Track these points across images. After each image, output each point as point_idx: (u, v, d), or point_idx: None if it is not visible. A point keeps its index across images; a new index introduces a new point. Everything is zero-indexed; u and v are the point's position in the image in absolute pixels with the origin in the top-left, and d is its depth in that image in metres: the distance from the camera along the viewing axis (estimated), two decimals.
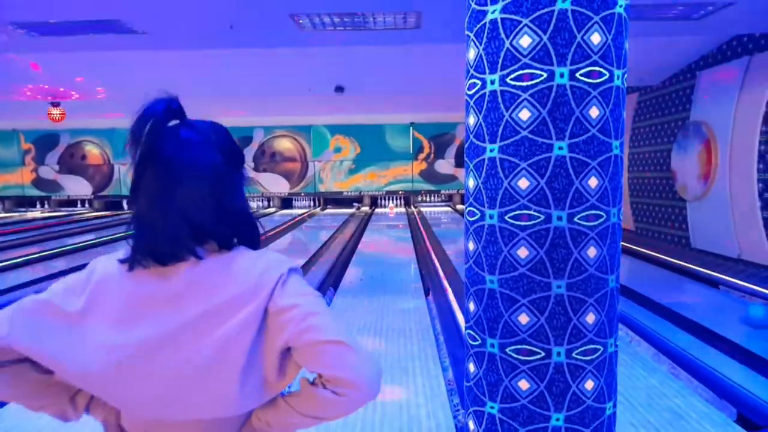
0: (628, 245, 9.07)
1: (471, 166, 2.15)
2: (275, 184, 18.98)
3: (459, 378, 3.89)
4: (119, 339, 0.98)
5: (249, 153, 19.11)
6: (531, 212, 1.96)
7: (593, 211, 1.97)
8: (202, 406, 1.01)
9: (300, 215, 16.82)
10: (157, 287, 1.02)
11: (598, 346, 2.02)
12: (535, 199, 1.96)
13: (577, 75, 1.96)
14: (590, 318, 1.99)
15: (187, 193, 1.04)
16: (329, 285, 6.80)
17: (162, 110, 1.12)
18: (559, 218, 1.96)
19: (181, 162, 1.06)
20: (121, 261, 1.06)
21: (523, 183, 1.97)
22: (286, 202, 19.50)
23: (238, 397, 1.00)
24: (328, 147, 18.94)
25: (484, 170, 2.06)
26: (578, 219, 1.96)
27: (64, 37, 6.81)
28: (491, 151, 2.03)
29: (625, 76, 2.09)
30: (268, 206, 19.19)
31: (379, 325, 5.07)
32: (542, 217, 1.96)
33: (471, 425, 2.23)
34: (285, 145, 19.03)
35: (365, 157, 19.06)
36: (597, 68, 1.98)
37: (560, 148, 1.94)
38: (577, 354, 1.99)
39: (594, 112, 1.98)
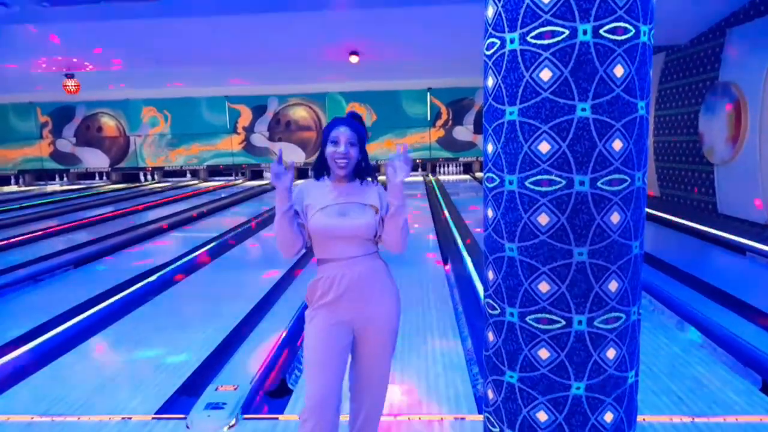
0: (652, 211, 8.90)
1: (489, 130, 2.07)
2: (291, 153, 18.91)
3: (478, 347, 3.87)
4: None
5: (263, 122, 19.04)
6: (552, 177, 1.89)
7: (617, 176, 1.89)
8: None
9: None
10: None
11: (620, 314, 1.96)
12: (557, 164, 1.88)
13: (601, 32, 1.85)
14: (613, 285, 1.93)
15: None
16: None
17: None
18: (582, 183, 1.88)
19: None
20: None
21: (544, 147, 1.89)
22: (302, 172, 19.49)
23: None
24: (344, 114, 18.76)
25: (503, 134, 1.98)
26: (601, 183, 1.88)
27: (74, 6, 6.74)
28: (510, 114, 1.95)
29: (652, 32, 1.98)
30: None
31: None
32: (564, 182, 1.88)
33: (490, 394, 2.21)
34: (300, 113, 18.90)
35: (381, 124, 18.86)
36: (622, 24, 1.87)
37: (583, 109, 1.85)
38: (598, 322, 1.94)
39: (619, 71, 1.88)
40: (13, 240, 8.54)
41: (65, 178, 19.83)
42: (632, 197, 1.94)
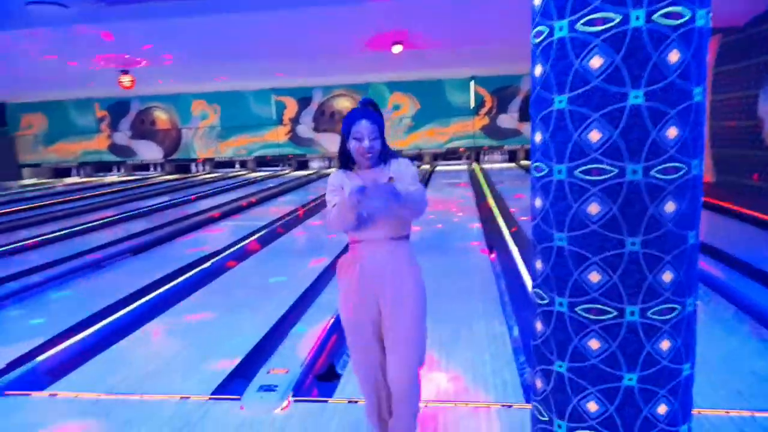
0: (708, 199, 8.55)
1: (537, 119, 2.06)
2: (335, 144, 19.07)
3: (525, 337, 3.86)
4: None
5: (308, 114, 19.27)
6: (603, 166, 1.87)
7: (672, 164, 1.85)
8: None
9: None
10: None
11: (675, 306, 1.93)
12: (608, 152, 1.85)
13: (655, 17, 1.80)
14: (667, 276, 1.90)
15: None
16: None
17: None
18: (634, 172, 1.85)
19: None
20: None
21: (595, 135, 1.86)
22: None
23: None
24: (387, 104, 18.76)
25: (552, 123, 1.97)
26: (655, 172, 1.85)
27: (128, 5, 6.99)
28: (560, 102, 1.93)
29: (709, 15, 1.92)
30: (329, 166, 19.40)
31: (443, 285, 5.08)
32: (615, 170, 1.86)
33: (538, 383, 2.21)
34: (344, 104, 19.02)
35: (425, 113, 18.78)
36: (677, 8, 1.82)
37: (636, 97, 1.82)
38: (652, 313, 1.91)
39: (673, 57, 1.83)
40: (76, 228, 9.00)
41: (122, 170, 20.66)
42: (688, 186, 1.89)
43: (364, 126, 2.16)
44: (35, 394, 3.20)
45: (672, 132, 1.84)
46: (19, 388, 3.28)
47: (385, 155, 2.25)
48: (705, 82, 1.94)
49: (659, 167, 1.85)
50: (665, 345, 1.93)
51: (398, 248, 2.18)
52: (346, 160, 2.26)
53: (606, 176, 1.87)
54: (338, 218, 2.09)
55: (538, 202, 2.12)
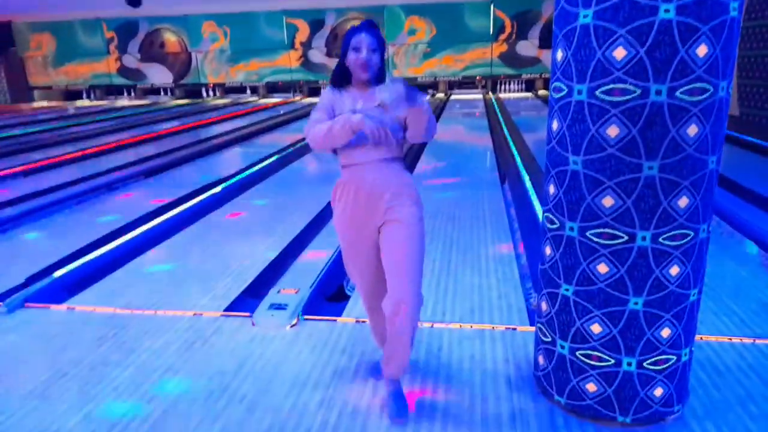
0: (730, 132, 8.34)
1: (560, 35, 1.96)
2: None
3: (533, 264, 3.88)
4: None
5: (321, 38, 18.69)
6: (626, 86, 1.79)
7: (698, 84, 1.77)
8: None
9: None
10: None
11: (688, 231, 1.90)
12: (632, 71, 1.77)
13: None
14: (683, 202, 1.86)
15: None
16: None
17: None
18: (658, 92, 1.77)
19: None
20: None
21: (620, 53, 1.77)
22: None
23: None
24: (403, 29, 18.11)
25: (575, 39, 1.87)
26: (680, 93, 1.77)
27: None
28: (585, 17, 1.83)
29: None
30: None
31: (452, 211, 5.07)
32: (638, 91, 1.78)
33: (543, 306, 2.23)
34: None
35: (441, 39, 18.13)
36: None
37: (666, 10, 1.71)
38: (664, 239, 1.89)
39: None
40: (89, 151, 9.02)
41: (132, 93, 20.43)
42: (713, 108, 1.82)
43: (363, 37, 2.08)
44: (54, 306, 3.31)
45: (702, 50, 1.75)
46: (39, 300, 3.38)
47: (381, 77, 2.15)
48: None
49: (685, 88, 1.77)
50: (674, 270, 1.92)
51: (395, 168, 2.12)
52: (340, 78, 2.16)
53: (628, 97, 1.80)
54: (326, 136, 2.00)
55: (555, 125, 2.05)
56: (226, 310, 3.22)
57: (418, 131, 2.04)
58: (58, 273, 3.73)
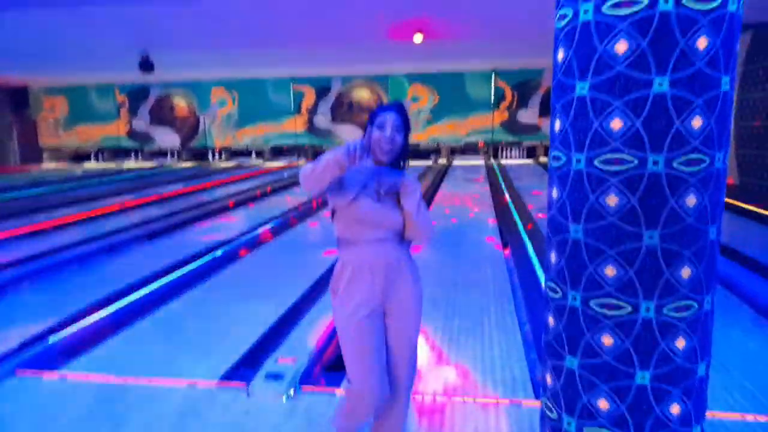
0: (731, 201, 8.38)
1: (558, 106, 2.00)
2: (352, 134, 19.06)
3: (536, 333, 3.79)
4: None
5: (326, 104, 19.23)
6: (624, 156, 1.80)
7: (695, 155, 1.78)
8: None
9: None
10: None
11: (692, 303, 1.86)
12: (629, 142, 1.79)
13: (684, 1, 1.73)
14: (685, 272, 1.83)
15: None
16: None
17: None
18: (656, 163, 1.78)
19: None
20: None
21: (616, 124, 1.80)
22: None
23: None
24: (406, 96, 18.66)
25: (573, 110, 1.90)
26: (677, 164, 1.78)
27: None
28: (581, 89, 1.87)
29: (742, 2, 1.84)
30: None
31: (454, 277, 5.03)
32: (636, 161, 1.79)
33: (548, 379, 2.16)
34: (362, 94, 18.96)
35: (444, 106, 18.65)
36: None
37: (660, 84, 1.75)
38: (668, 310, 1.84)
39: (702, 43, 1.75)
40: (93, 212, 9.09)
41: (140, 156, 20.84)
42: (711, 179, 1.82)
43: (389, 117, 2.09)
44: (46, 374, 3.22)
45: (697, 122, 1.77)
46: (32, 367, 3.30)
47: (400, 161, 2.16)
48: (734, 71, 1.86)
49: (682, 158, 1.78)
50: (680, 343, 1.87)
51: (398, 247, 2.10)
52: (365, 150, 2.17)
53: (626, 167, 1.81)
54: (320, 171, 1.98)
55: (555, 193, 2.06)
56: (221, 379, 3.12)
57: (411, 231, 2.09)
58: (52, 338, 3.66)
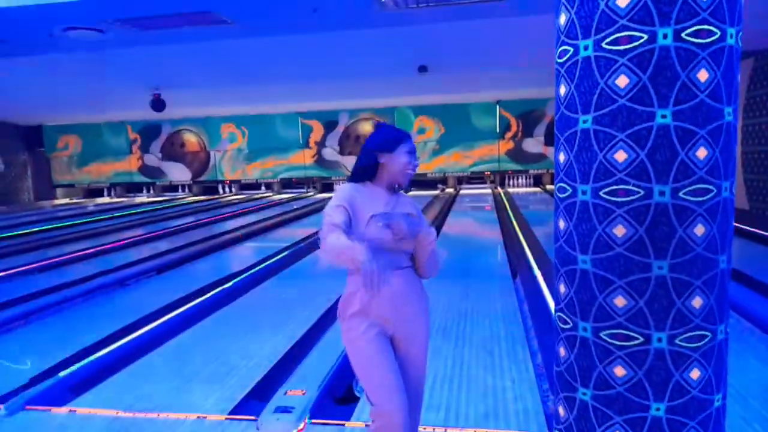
0: (741, 226, 8.33)
1: (562, 139, 2.03)
2: None
3: (548, 363, 3.75)
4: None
5: (334, 137, 19.48)
6: (629, 187, 1.82)
7: (701, 185, 1.79)
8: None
9: None
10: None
11: (705, 333, 1.85)
12: (634, 173, 1.81)
13: (683, 35, 1.77)
14: (697, 302, 1.83)
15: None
16: None
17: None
18: (662, 193, 1.80)
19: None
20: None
21: (621, 156, 1.82)
22: None
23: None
24: (412, 128, 18.87)
25: (577, 143, 1.93)
26: (684, 194, 1.79)
27: (161, 30, 7.22)
28: (584, 122, 1.90)
29: (740, 35, 1.88)
30: None
31: (464, 307, 5.00)
32: (642, 192, 1.81)
33: (561, 411, 2.13)
34: (368, 127, 19.19)
35: (450, 137, 18.82)
36: (706, 27, 1.78)
37: (663, 116, 1.77)
38: (681, 340, 1.83)
39: (703, 76, 1.79)
40: (105, 247, 9.17)
41: (152, 191, 21.10)
42: (718, 208, 1.83)
43: (413, 145, 2.17)
44: (55, 410, 3.22)
45: (702, 152, 1.79)
46: (41, 403, 3.30)
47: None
48: (737, 102, 1.89)
49: (688, 189, 1.79)
50: (695, 374, 1.85)
51: (408, 274, 2.14)
52: (366, 174, 2.17)
53: (632, 197, 1.82)
54: (333, 255, 1.96)
55: (562, 224, 2.07)
56: (230, 413, 3.11)
57: (421, 270, 2.16)
58: (62, 373, 3.67)
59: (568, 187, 2.01)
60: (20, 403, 3.24)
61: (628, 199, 1.83)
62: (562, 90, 2.01)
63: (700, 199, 1.81)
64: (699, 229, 1.82)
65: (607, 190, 1.87)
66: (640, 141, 1.80)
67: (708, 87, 1.77)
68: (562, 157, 2.04)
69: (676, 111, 1.76)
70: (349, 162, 19.40)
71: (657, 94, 1.77)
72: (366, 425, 2.86)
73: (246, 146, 20.13)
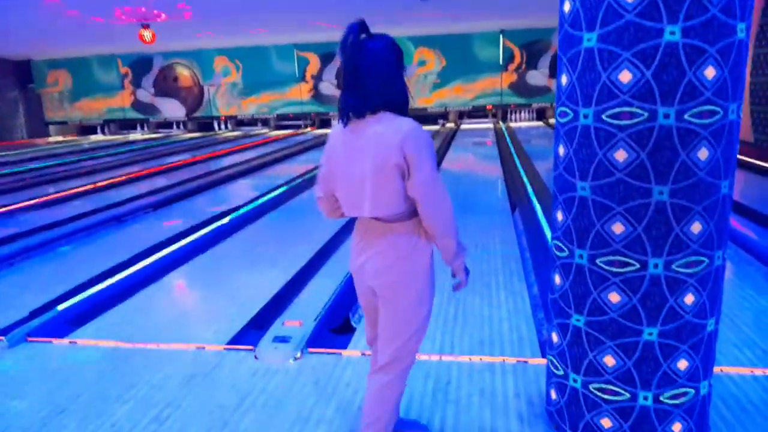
0: (745, 158, 8.23)
1: (565, 60, 1.93)
2: None
3: (544, 294, 3.78)
4: (342, 160, 1.80)
5: (332, 70, 18.97)
6: (633, 109, 1.74)
7: (708, 107, 1.72)
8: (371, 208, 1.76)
9: None
10: (354, 134, 1.76)
11: (702, 258, 1.82)
12: (639, 94, 1.73)
13: None
14: (696, 227, 1.79)
15: (367, 81, 1.73)
16: None
17: (356, 27, 1.75)
18: (666, 116, 1.72)
19: (367, 63, 1.73)
20: (340, 121, 1.80)
21: (625, 76, 1.73)
22: None
23: (391, 202, 1.75)
24: (412, 61, 18.35)
25: (580, 63, 1.83)
26: (689, 116, 1.72)
27: None
28: (588, 40, 1.80)
29: None
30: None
31: (462, 240, 4.99)
32: (646, 114, 1.73)
33: (554, 338, 2.15)
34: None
35: (451, 70, 18.33)
36: None
37: (672, 33, 1.67)
38: (677, 266, 1.81)
39: None
40: (100, 184, 9.11)
41: (146, 128, 20.78)
42: (723, 131, 1.76)
43: None
44: (56, 341, 3.26)
45: (710, 72, 1.70)
46: (42, 335, 3.34)
47: (389, 109, 1.81)
48: (750, 18, 1.78)
49: (694, 110, 1.72)
50: (689, 299, 1.84)
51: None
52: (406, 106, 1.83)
53: (636, 120, 1.75)
54: (451, 238, 1.89)
55: (562, 150, 2.01)
56: (229, 343, 3.15)
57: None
58: (61, 306, 3.70)
59: (569, 111, 1.93)
60: (21, 335, 3.28)
61: (631, 122, 1.76)
62: (567, 6, 1.89)
63: (706, 121, 1.74)
64: (702, 153, 1.75)
65: (609, 113, 1.79)
66: (646, 60, 1.70)
67: (720, 0, 1.66)
68: (564, 79, 1.94)
69: (686, 27, 1.66)
70: None
71: (666, 9, 1.66)
72: (362, 354, 2.91)
73: (240, 80, 19.64)
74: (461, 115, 19.03)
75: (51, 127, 21.22)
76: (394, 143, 1.67)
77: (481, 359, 2.82)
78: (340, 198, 1.87)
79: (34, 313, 3.68)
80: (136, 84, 20.25)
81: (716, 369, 2.52)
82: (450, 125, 18.22)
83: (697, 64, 1.69)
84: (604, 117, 1.80)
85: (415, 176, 1.69)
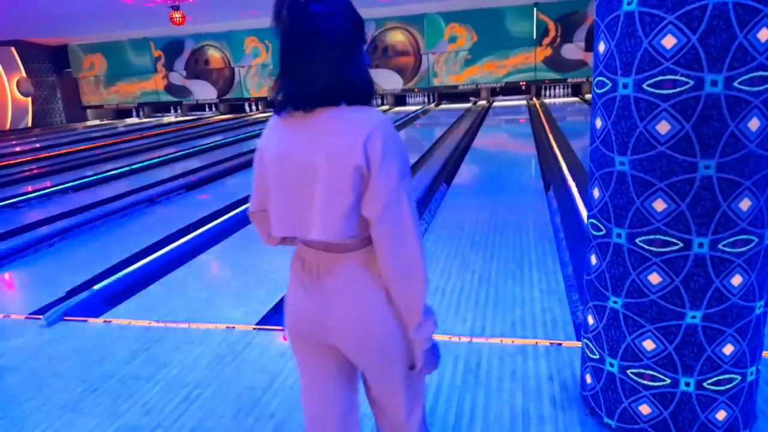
0: None
1: (602, 25, 1.81)
2: (388, 80, 18.62)
3: (579, 274, 3.67)
4: (279, 163, 1.31)
5: None
6: (677, 77, 1.62)
7: (760, 72, 1.58)
8: (318, 229, 1.27)
9: (414, 112, 16.52)
10: (298, 128, 1.28)
11: (751, 237, 1.70)
12: (684, 61, 1.60)
13: None
14: (745, 204, 1.67)
15: (314, 60, 1.22)
16: (441, 181, 6.66)
17: None
18: (714, 83, 1.59)
19: (311, 34, 1.21)
20: (276, 112, 1.33)
21: (669, 41, 1.61)
22: (400, 99, 19.20)
23: (348, 222, 1.24)
24: (443, 37, 17.99)
25: (619, 28, 1.71)
26: (740, 83, 1.59)
27: None
28: (628, 3, 1.68)
29: None
30: (382, 104, 19.03)
31: (493, 221, 4.89)
32: (691, 82, 1.61)
33: (590, 320, 2.06)
34: (397, 37, 18.39)
35: (483, 45, 17.90)
36: None
37: None
38: (724, 245, 1.70)
39: None
40: (135, 166, 9.28)
41: (179, 110, 21.06)
42: None
43: None
44: (91, 320, 3.33)
45: (764, 34, 1.56)
46: (78, 314, 3.42)
47: (343, 98, 1.28)
48: None
49: (745, 77, 1.59)
50: (737, 280, 1.73)
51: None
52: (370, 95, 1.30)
53: (680, 89, 1.63)
54: (420, 309, 1.30)
55: (599, 123, 1.89)
56: (259, 323, 3.16)
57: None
58: (97, 286, 3.78)
59: (607, 81, 1.81)
60: (59, 314, 3.36)
61: (675, 90, 1.64)
62: None
63: (758, 89, 1.61)
64: (753, 124, 1.63)
65: (651, 81, 1.67)
66: (692, 23, 1.57)
67: None
68: (602, 47, 1.83)
69: None
70: (378, 75, 18.72)
71: None
72: None
73: (270, 61, 19.64)
74: (493, 92, 18.64)
75: (88, 111, 21.70)
76: (357, 141, 1.19)
77: (513, 341, 2.75)
78: (272, 215, 1.35)
79: (71, 293, 3.77)
80: (169, 67, 20.47)
81: (765, 353, 2.39)
82: (482, 103, 17.88)
83: (749, 26, 1.56)
84: (645, 86, 1.68)
85: (377, 182, 1.20)
